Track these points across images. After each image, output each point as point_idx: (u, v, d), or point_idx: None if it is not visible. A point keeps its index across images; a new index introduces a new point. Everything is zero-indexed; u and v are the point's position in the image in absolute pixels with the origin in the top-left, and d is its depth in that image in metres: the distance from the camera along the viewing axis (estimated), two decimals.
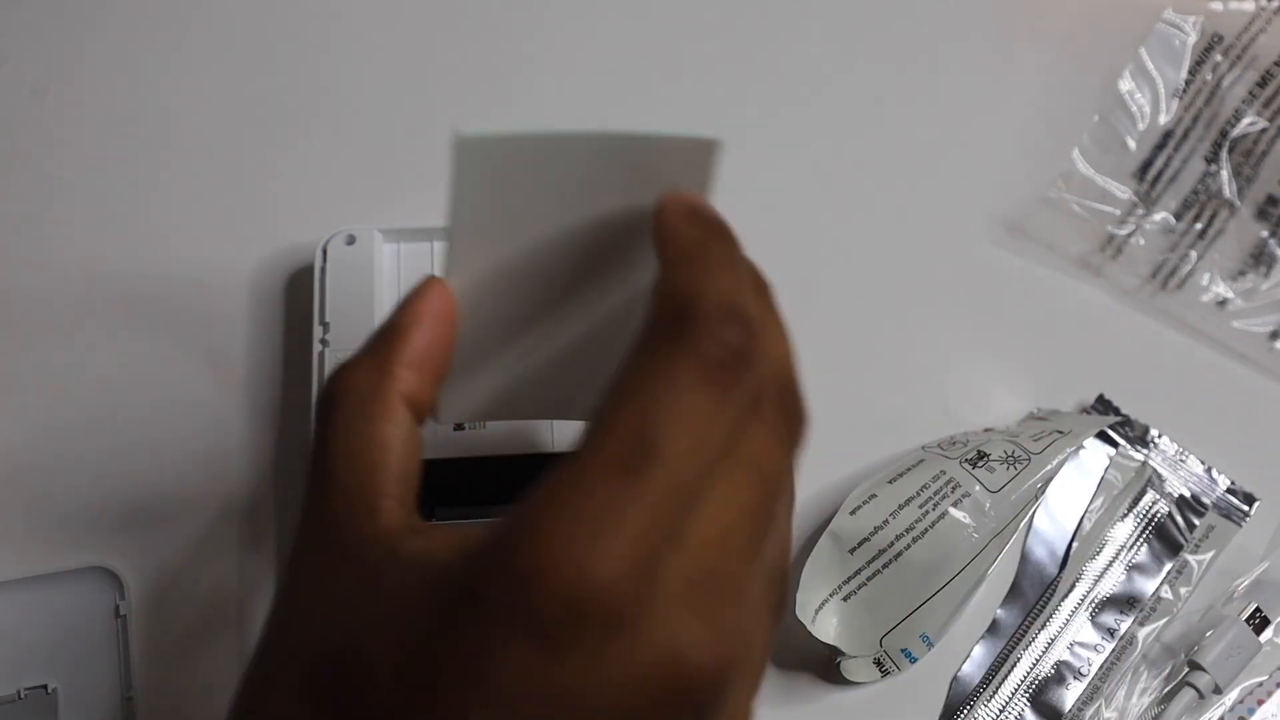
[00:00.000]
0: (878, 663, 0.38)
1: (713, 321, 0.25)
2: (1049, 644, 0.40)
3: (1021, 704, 0.39)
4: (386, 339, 0.30)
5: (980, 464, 0.39)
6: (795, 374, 0.28)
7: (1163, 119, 0.45)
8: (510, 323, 0.33)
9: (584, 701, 0.23)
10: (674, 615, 0.24)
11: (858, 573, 0.38)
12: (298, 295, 0.44)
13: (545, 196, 0.31)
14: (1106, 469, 0.42)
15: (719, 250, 0.28)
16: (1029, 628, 0.40)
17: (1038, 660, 0.40)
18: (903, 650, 0.38)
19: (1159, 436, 0.42)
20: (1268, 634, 0.39)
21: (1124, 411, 0.43)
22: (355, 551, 0.27)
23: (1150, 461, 0.42)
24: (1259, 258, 0.44)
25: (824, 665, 0.39)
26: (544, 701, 0.23)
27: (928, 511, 0.38)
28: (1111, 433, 0.42)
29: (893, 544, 0.38)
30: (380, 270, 0.42)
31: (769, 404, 0.27)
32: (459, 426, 0.39)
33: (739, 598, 0.25)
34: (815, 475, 0.42)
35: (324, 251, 0.41)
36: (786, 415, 0.28)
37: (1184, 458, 0.42)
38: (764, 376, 0.26)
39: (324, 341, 0.40)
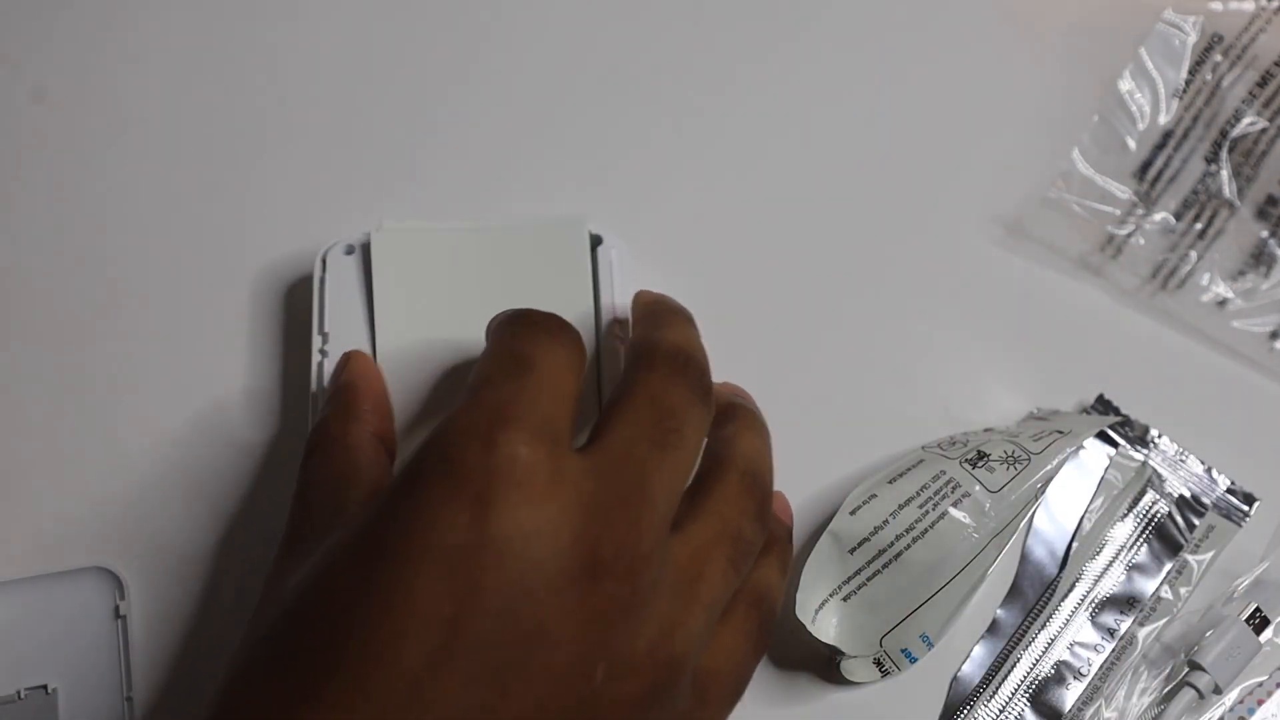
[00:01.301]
0: (878, 663, 0.38)
1: (531, 313, 0.32)
2: (1049, 644, 0.40)
3: (1021, 704, 0.39)
4: (345, 395, 0.36)
5: (980, 464, 0.39)
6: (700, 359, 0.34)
7: (1163, 119, 0.45)
8: (432, 399, 0.39)
9: (511, 552, 0.27)
10: (589, 495, 0.28)
11: (858, 573, 0.38)
12: (297, 305, 0.44)
13: (453, 278, 0.40)
14: (1106, 469, 0.42)
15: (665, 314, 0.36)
16: (1029, 628, 0.40)
17: (1038, 660, 0.40)
18: (903, 650, 0.38)
19: (1159, 436, 0.42)
20: (1268, 634, 0.39)
21: (1124, 411, 0.43)
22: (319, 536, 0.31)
23: (1150, 461, 0.42)
24: (1259, 258, 0.44)
25: (824, 665, 0.39)
26: (478, 553, 0.26)
27: (928, 511, 0.38)
28: (1111, 433, 0.42)
29: (893, 544, 0.38)
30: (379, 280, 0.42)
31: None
32: None
33: (646, 495, 0.29)
34: (815, 475, 0.42)
35: (323, 261, 0.41)
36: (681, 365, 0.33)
37: (1184, 458, 0.42)
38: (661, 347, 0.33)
39: (323, 351, 0.40)
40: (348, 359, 0.38)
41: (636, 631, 0.28)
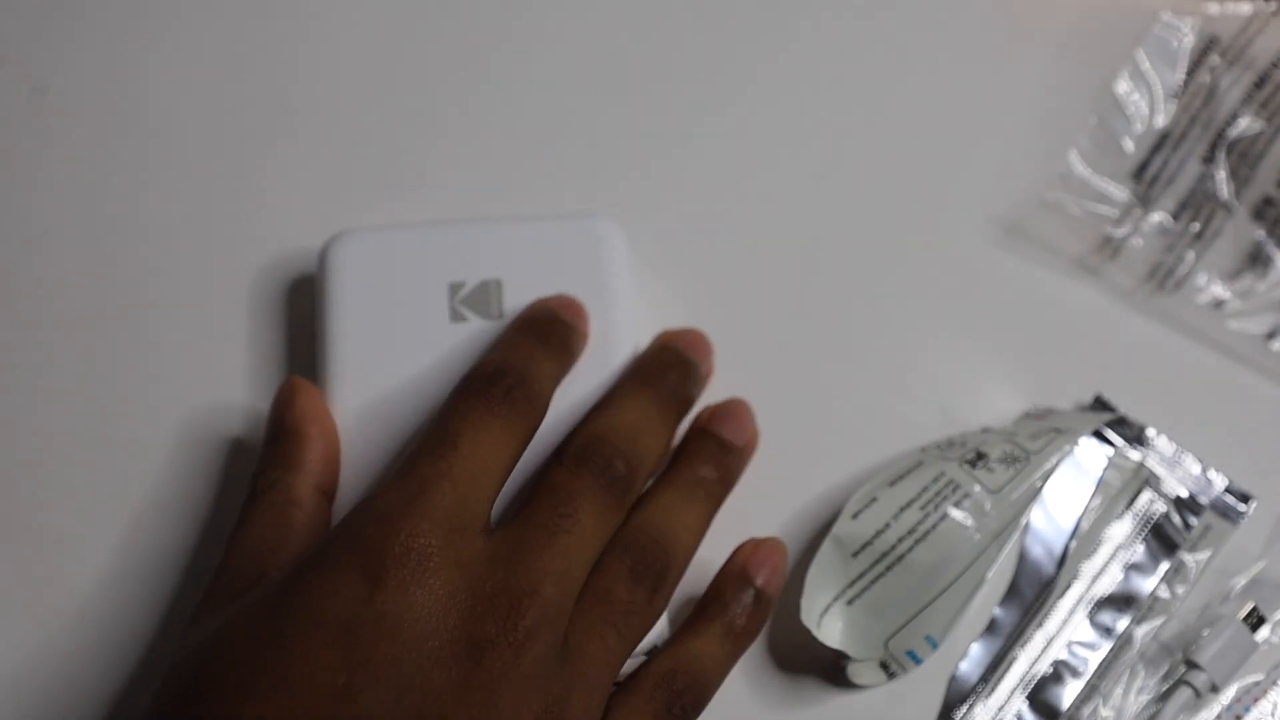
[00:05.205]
0: (883, 665, 0.38)
1: (487, 370, 0.35)
2: (1047, 643, 0.40)
3: (1019, 702, 0.40)
4: (288, 442, 0.36)
5: (979, 464, 0.40)
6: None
7: (1160, 121, 0.46)
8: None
9: (402, 626, 0.29)
10: (478, 579, 0.31)
11: (861, 576, 0.38)
12: (300, 301, 0.43)
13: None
14: (1104, 469, 0.42)
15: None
16: (1027, 626, 0.41)
17: (1035, 659, 0.40)
18: (908, 652, 0.38)
19: (1156, 436, 0.43)
20: (1264, 633, 0.40)
21: (1121, 412, 0.43)
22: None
23: (1147, 461, 0.42)
24: (1255, 259, 0.45)
25: (829, 669, 0.40)
26: (371, 626, 0.29)
27: (929, 513, 0.39)
28: (1108, 432, 0.43)
29: (895, 547, 0.38)
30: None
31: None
32: None
33: (537, 552, 0.32)
34: (815, 479, 0.42)
35: (324, 256, 0.41)
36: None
37: (1181, 457, 0.43)
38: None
39: None
40: (293, 393, 0.37)
41: (521, 703, 0.30)
